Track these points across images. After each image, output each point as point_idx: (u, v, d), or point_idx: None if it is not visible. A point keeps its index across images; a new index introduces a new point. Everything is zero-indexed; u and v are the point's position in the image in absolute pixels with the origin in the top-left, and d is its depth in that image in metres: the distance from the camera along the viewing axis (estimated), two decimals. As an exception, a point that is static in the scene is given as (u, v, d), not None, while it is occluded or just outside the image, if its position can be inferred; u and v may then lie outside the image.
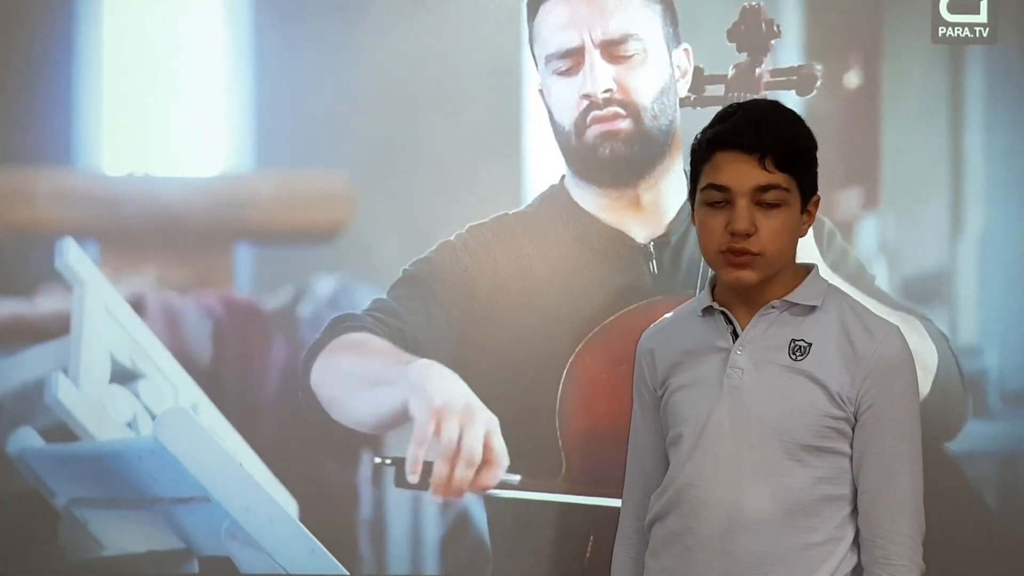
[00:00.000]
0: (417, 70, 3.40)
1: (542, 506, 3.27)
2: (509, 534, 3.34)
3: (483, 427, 3.15)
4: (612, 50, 3.27)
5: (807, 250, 2.99)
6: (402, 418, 3.19)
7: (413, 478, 3.15)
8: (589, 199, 3.35)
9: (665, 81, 3.29)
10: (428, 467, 3.16)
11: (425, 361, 3.21)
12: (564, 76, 3.28)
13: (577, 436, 3.24)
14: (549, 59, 3.29)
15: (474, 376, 3.30)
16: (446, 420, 3.13)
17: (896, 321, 3.23)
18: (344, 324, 3.29)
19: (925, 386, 3.22)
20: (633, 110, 3.27)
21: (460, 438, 3.13)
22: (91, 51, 3.44)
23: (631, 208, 3.34)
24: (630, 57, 3.27)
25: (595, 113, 3.26)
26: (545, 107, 3.33)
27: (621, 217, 3.34)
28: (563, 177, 3.37)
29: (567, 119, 3.29)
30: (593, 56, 3.25)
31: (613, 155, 3.28)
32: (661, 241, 3.33)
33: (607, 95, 3.26)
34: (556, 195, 3.38)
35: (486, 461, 3.16)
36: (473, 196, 3.39)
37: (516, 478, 3.20)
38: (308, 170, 3.47)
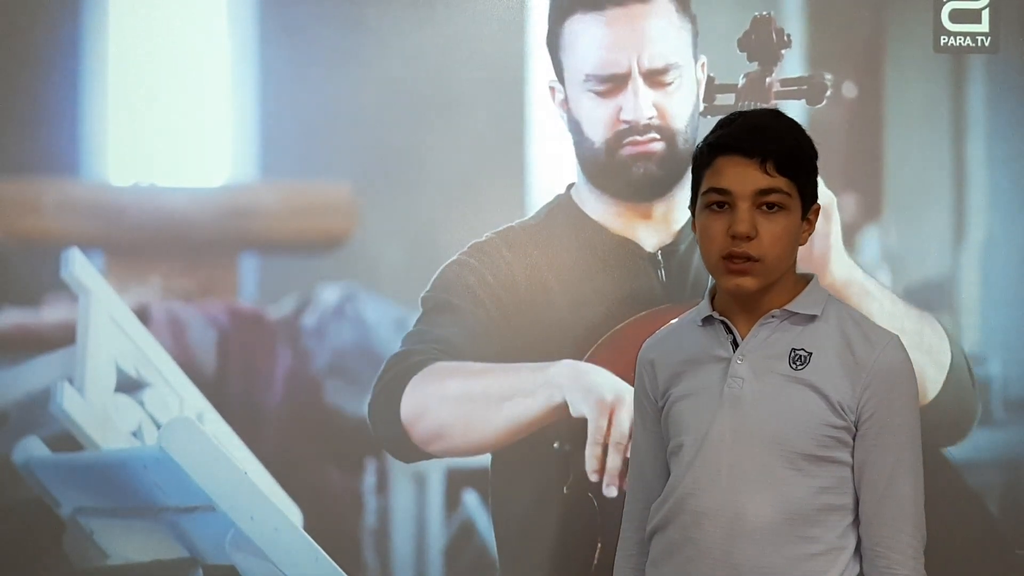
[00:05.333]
0: (420, 80, 3.41)
1: (547, 512, 3.27)
2: (514, 542, 3.34)
3: None
4: (655, 78, 3.27)
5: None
6: (542, 423, 3.18)
7: (595, 477, 3.13)
8: (600, 209, 3.35)
9: (695, 102, 3.31)
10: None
11: (567, 361, 3.20)
12: (601, 96, 3.29)
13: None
14: (588, 78, 3.28)
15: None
16: (618, 412, 3.12)
17: (916, 318, 3.25)
18: (412, 360, 3.26)
19: (938, 384, 3.23)
20: (668, 134, 3.28)
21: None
22: (96, 62, 3.46)
23: (641, 218, 3.34)
24: (670, 84, 3.28)
25: (633, 137, 3.27)
26: (565, 112, 3.32)
27: (630, 226, 3.35)
28: (569, 187, 3.38)
29: (598, 136, 3.29)
30: (637, 84, 3.26)
31: (646, 175, 3.29)
32: (669, 249, 3.33)
33: (648, 121, 3.27)
34: (562, 205, 3.38)
35: None
36: (477, 205, 3.39)
37: None
38: (312, 180, 3.48)
